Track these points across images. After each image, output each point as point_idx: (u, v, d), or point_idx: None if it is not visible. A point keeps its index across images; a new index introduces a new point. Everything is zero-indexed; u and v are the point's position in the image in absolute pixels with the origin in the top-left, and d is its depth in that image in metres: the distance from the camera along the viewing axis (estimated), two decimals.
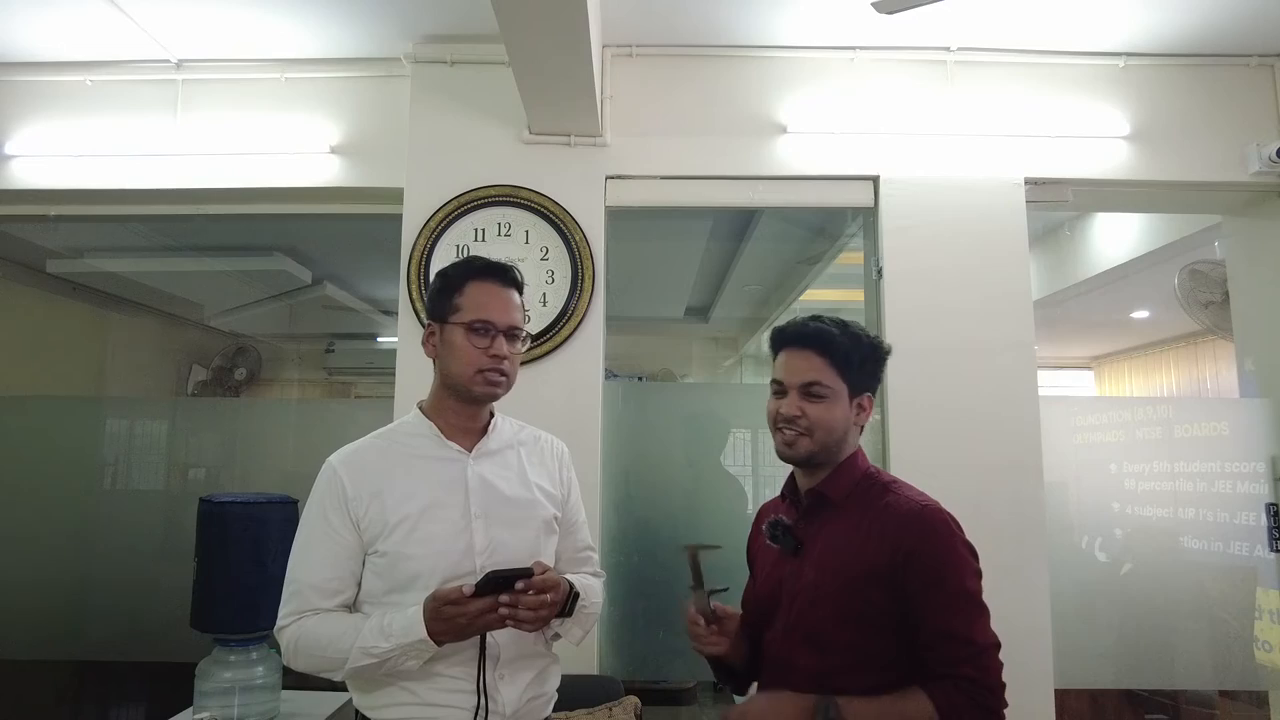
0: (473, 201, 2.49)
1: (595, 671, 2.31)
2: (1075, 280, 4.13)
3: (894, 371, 2.30)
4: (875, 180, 2.56)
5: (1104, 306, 5.01)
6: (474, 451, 1.38)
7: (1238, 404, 2.75)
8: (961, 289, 2.47)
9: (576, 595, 1.32)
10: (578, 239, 2.47)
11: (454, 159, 2.53)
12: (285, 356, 6.27)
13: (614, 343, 2.62)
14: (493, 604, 1.19)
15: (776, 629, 1.32)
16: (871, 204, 2.57)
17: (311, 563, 1.30)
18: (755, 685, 1.39)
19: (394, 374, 2.44)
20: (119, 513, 2.75)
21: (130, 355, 5.12)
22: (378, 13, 2.42)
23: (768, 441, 1.37)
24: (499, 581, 1.19)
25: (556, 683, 1.42)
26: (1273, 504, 2.49)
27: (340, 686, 1.53)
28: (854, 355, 1.30)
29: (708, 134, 2.57)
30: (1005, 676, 1.17)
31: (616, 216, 2.60)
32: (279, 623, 1.29)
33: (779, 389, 1.33)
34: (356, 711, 1.32)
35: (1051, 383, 6.90)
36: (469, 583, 1.19)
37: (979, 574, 1.21)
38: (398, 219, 2.51)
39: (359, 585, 1.32)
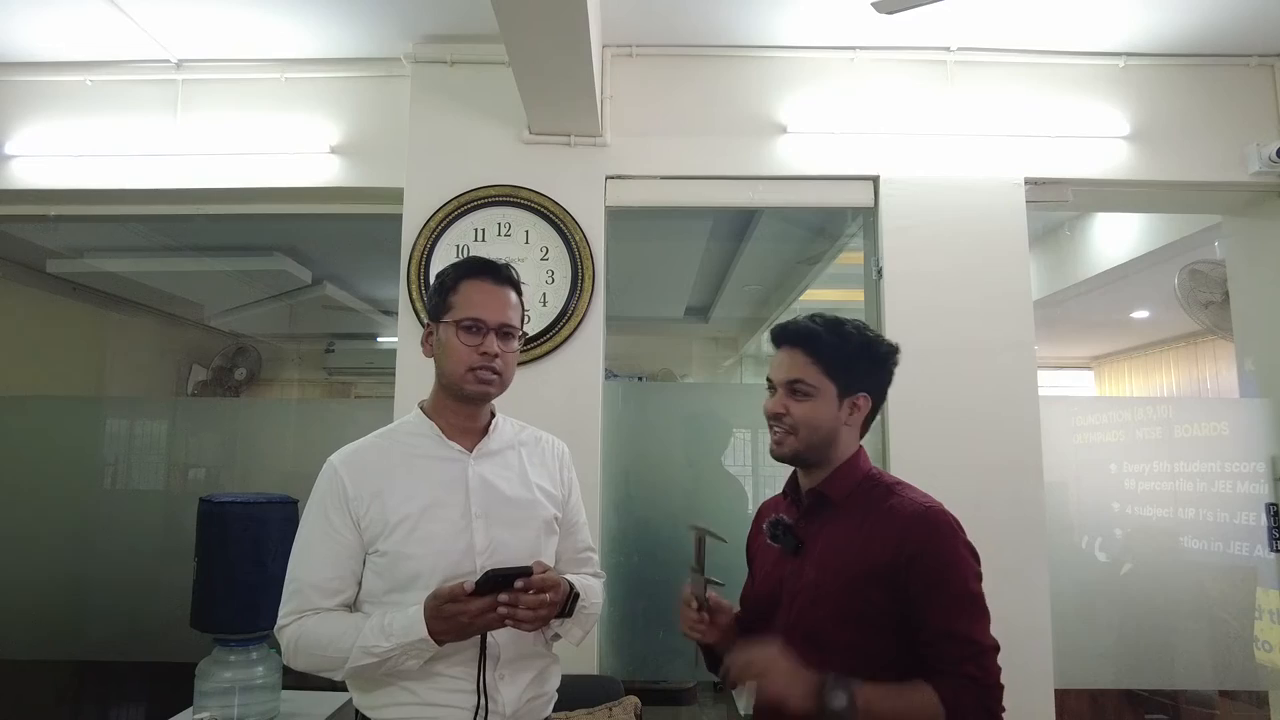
0: (473, 201, 2.49)
1: (595, 671, 2.31)
2: (1075, 280, 4.13)
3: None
4: (875, 180, 2.56)
5: (1104, 306, 5.01)
6: (475, 451, 1.38)
7: (1238, 404, 2.75)
8: (961, 289, 2.47)
9: (576, 595, 1.32)
10: (578, 239, 2.47)
11: (454, 159, 2.53)
12: (285, 356, 6.27)
13: (614, 343, 2.62)
14: (492, 603, 1.19)
15: (775, 628, 1.31)
16: (871, 204, 2.57)
17: (312, 562, 1.30)
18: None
19: (394, 374, 2.44)
20: (119, 513, 2.75)
21: (130, 355, 5.12)
22: (378, 13, 2.43)
23: (768, 441, 1.36)
24: (498, 580, 1.19)
25: (556, 683, 1.42)
26: (1273, 504, 2.49)
27: (340, 686, 1.53)
28: (840, 354, 1.30)
29: (708, 134, 2.57)
30: (1005, 676, 1.17)
31: (616, 216, 2.60)
32: (279, 622, 1.29)
33: (769, 387, 1.35)
34: (356, 711, 1.32)
35: (1051, 383, 6.90)
36: (469, 581, 1.19)
37: (980, 576, 1.21)
38: (398, 219, 2.51)
39: (359, 585, 1.32)
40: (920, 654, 1.17)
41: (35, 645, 2.61)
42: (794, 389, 1.30)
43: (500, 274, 1.39)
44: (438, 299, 1.38)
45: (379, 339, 6.10)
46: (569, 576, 1.35)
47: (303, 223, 3.38)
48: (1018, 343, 2.46)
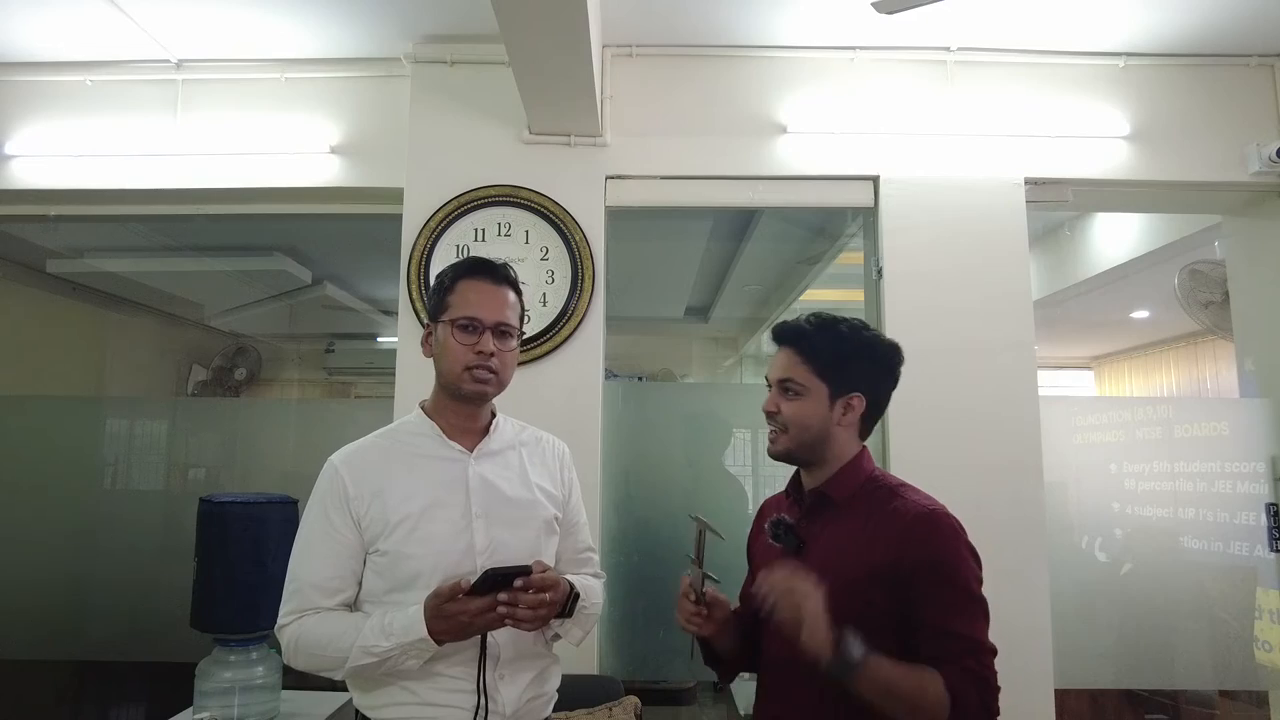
0: (473, 201, 2.49)
1: (595, 671, 2.31)
2: (1075, 280, 4.13)
3: None
4: (875, 180, 2.56)
5: (1104, 306, 5.01)
6: (475, 451, 1.38)
7: (1238, 404, 2.75)
8: (961, 289, 2.47)
9: (577, 596, 1.32)
10: (578, 239, 2.47)
11: (454, 159, 2.53)
12: (285, 356, 6.27)
13: (614, 343, 2.62)
14: (492, 603, 1.19)
15: (775, 626, 1.32)
16: (871, 204, 2.57)
17: (312, 561, 1.30)
18: (747, 676, 1.39)
19: (394, 374, 2.44)
20: (119, 512, 2.74)
21: (130, 355, 5.12)
22: (378, 13, 2.43)
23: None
24: (497, 579, 1.19)
25: (557, 683, 1.42)
26: (1273, 504, 2.49)
27: (340, 686, 1.53)
28: (832, 354, 1.30)
29: (707, 134, 2.57)
30: (1005, 677, 1.17)
31: (616, 216, 2.60)
32: (280, 621, 1.29)
33: (768, 385, 1.36)
34: (356, 711, 1.32)
35: (1051, 383, 6.90)
36: (466, 578, 1.20)
37: (981, 580, 1.21)
38: (398, 219, 2.51)
39: (360, 584, 1.32)
40: (921, 654, 1.17)
41: (35, 645, 2.61)
42: (785, 388, 1.31)
43: (497, 273, 1.39)
44: (436, 299, 1.39)
45: (379, 339, 6.10)
46: (569, 577, 1.35)
47: (303, 223, 3.38)
48: (1018, 343, 2.45)
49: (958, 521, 1.23)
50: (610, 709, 2.04)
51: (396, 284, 2.48)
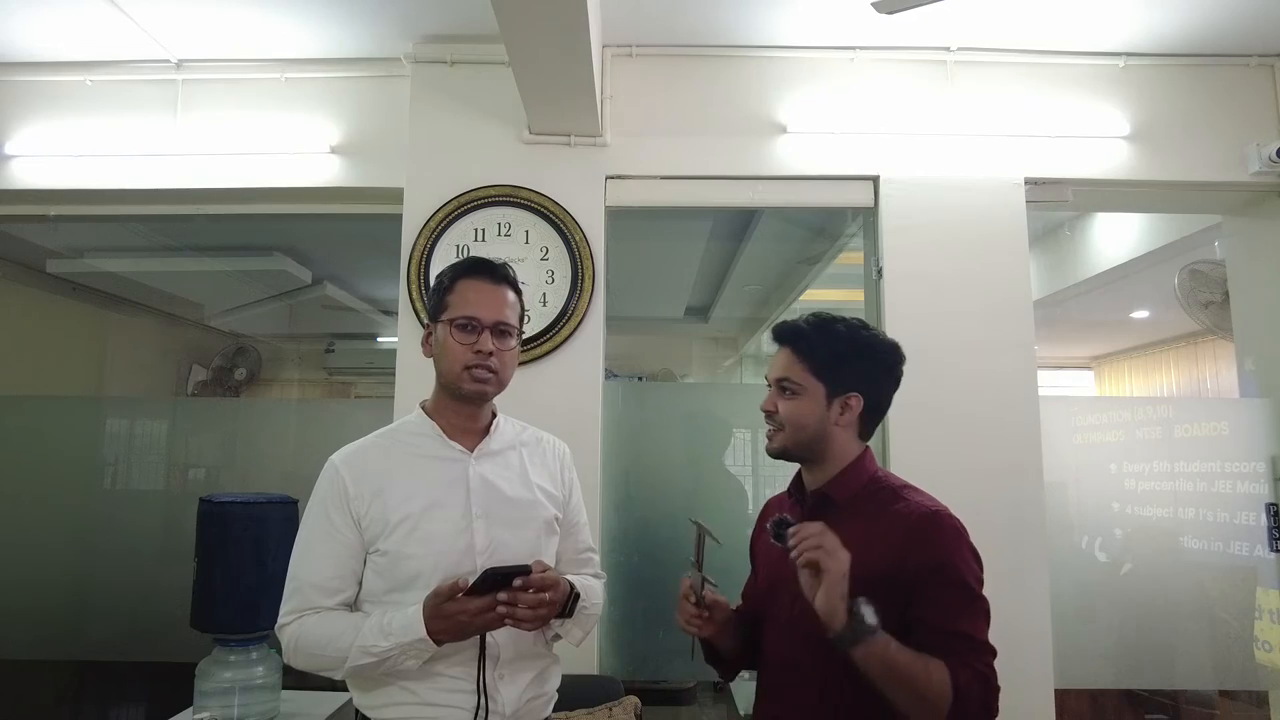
0: (473, 201, 2.49)
1: (595, 671, 2.31)
2: (1075, 280, 4.13)
3: None
4: (875, 180, 2.56)
5: (1104, 306, 5.01)
6: (476, 452, 1.38)
7: (1238, 404, 2.75)
8: (961, 289, 2.47)
9: (577, 596, 1.32)
10: (578, 239, 2.47)
11: (454, 159, 2.53)
12: (285, 356, 6.27)
13: (614, 343, 2.62)
14: (491, 603, 1.19)
15: (777, 626, 1.32)
16: (871, 204, 2.57)
17: (313, 561, 1.30)
18: (747, 675, 1.39)
19: (394, 374, 2.44)
20: (119, 513, 2.75)
21: (130, 355, 5.12)
22: (378, 13, 2.43)
23: None
24: (497, 579, 1.19)
25: (557, 683, 1.42)
26: (1273, 504, 2.49)
27: (340, 686, 1.53)
28: (828, 354, 1.30)
29: (707, 134, 2.57)
30: (1005, 677, 1.17)
31: (616, 216, 2.60)
32: (280, 621, 1.30)
33: (768, 384, 1.36)
34: (356, 711, 1.32)
35: (1051, 383, 6.90)
36: (465, 578, 1.20)
37: (982, 582, 1.21)
38: (398, 219, 2.51)
39: (360, 584, 1.32)
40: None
41: (35, 645, 2.61)
42: (783, 387, 1.32)
43: (496, 273, 1.39)
44: (435, 299, 1.39)
45: (379, 339, 6.10)
46: (570, 577, 1.35)
47: (303, 223, 3.38)
48: (1018, 343, 2.45)
49: (960, 522, 1.23)
50: (610, 709, 2.04)
51: (396, 284, 2.48)
